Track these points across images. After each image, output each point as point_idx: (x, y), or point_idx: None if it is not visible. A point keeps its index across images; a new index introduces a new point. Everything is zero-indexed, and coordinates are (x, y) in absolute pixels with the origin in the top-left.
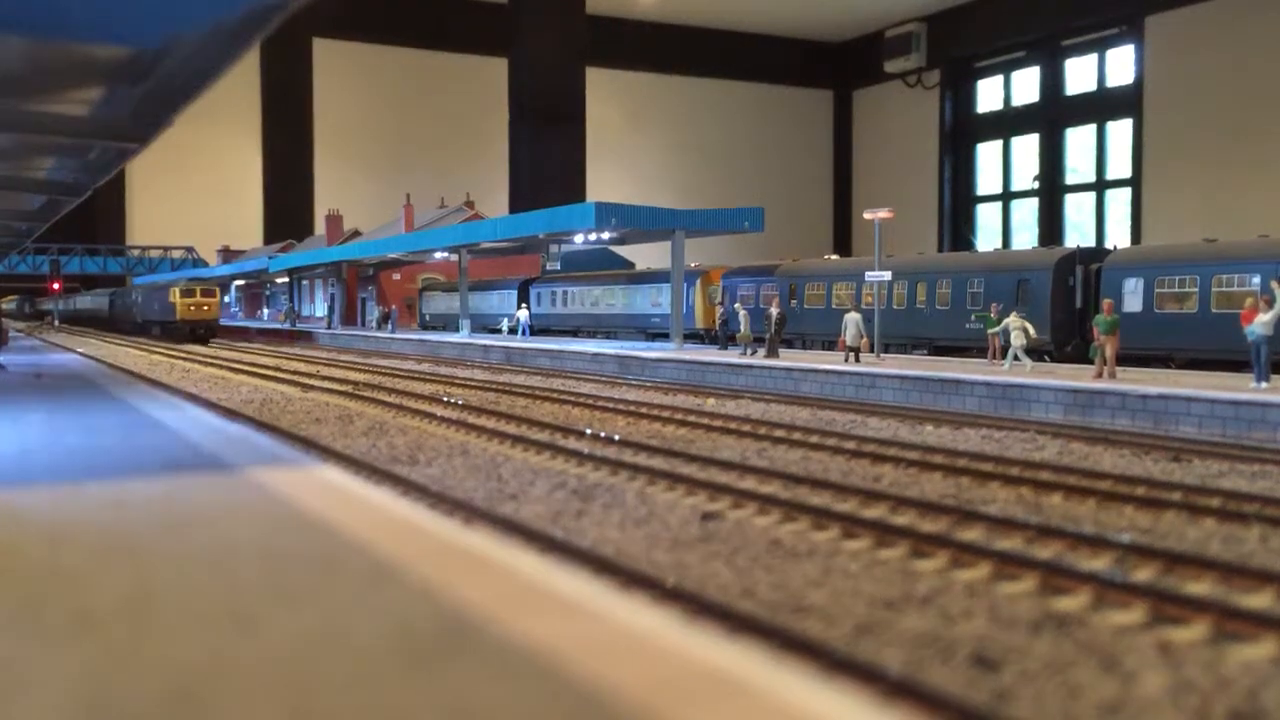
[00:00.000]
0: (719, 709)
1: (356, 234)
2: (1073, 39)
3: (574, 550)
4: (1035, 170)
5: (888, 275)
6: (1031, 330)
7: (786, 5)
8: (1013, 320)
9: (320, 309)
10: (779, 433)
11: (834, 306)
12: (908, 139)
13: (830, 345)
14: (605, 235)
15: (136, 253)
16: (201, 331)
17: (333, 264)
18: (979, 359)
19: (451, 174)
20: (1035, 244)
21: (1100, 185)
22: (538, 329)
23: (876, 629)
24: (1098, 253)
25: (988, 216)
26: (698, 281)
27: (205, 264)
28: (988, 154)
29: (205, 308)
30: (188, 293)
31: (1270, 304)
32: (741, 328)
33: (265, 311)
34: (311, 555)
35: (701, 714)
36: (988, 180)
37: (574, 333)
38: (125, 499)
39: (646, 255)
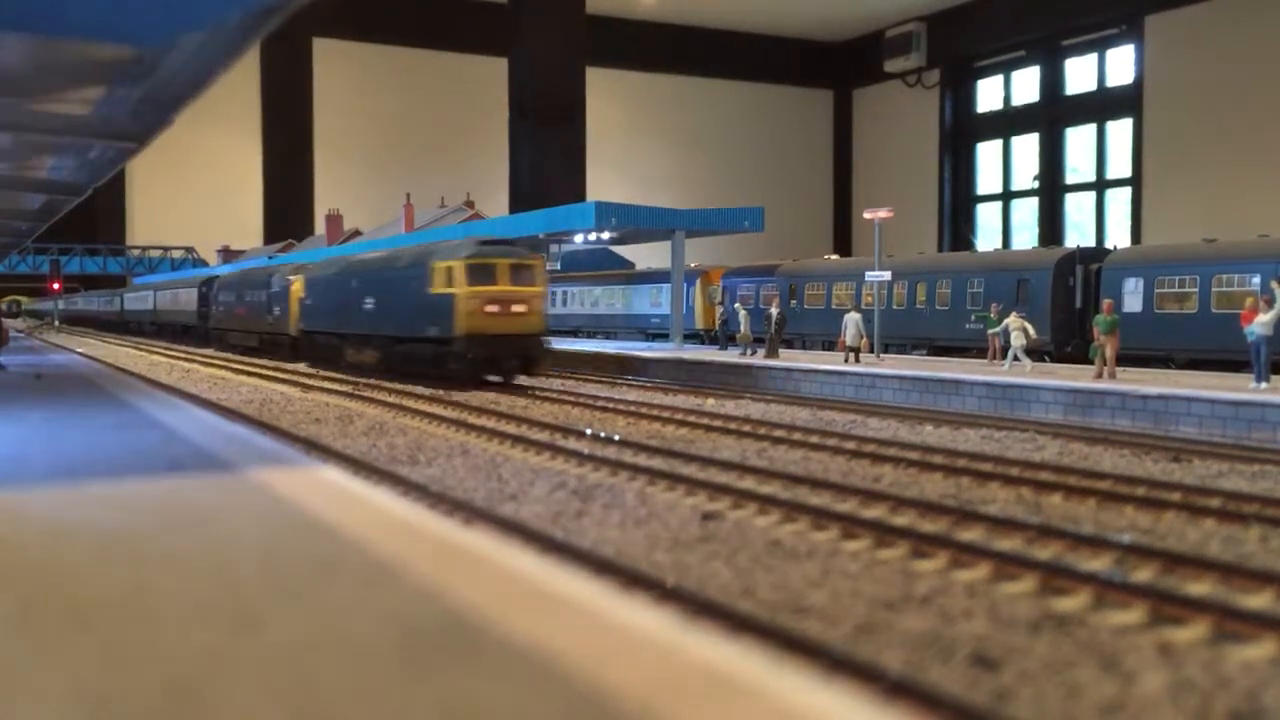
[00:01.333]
0: (719, 709)
1: (356, 234)
2: (1073, 39)
3: (574, 550)
4: (1035, 170)
5: (888, 275)
6: (1031, 330)
7: (786, 5)
8: (1013, 320)
9: None
10: (779, 433)
11: (834, 306)
12: (908, 139)
13: (830, 345)
14: (605, 235)
15: (136, 253)
16: (515, 363)
17: None
18: (979, 359)
19: (451, 174)
20: (1035, 244)
21: (1100, 185)
22: None
23: (876, 629)
24: (1098, 253)
25: (988, 216)
26: (698, 281)
27: (205, 264)
28: (988, 154)
29: (520, 308)
30: (479, 271)
31: (1270, 304)
32: (741, 328)
33: None
34: (312, 555)
35: (701, 714)
36: (988, 180)
37: (574, 333)
38: (125, 499)
39: (646, 255)
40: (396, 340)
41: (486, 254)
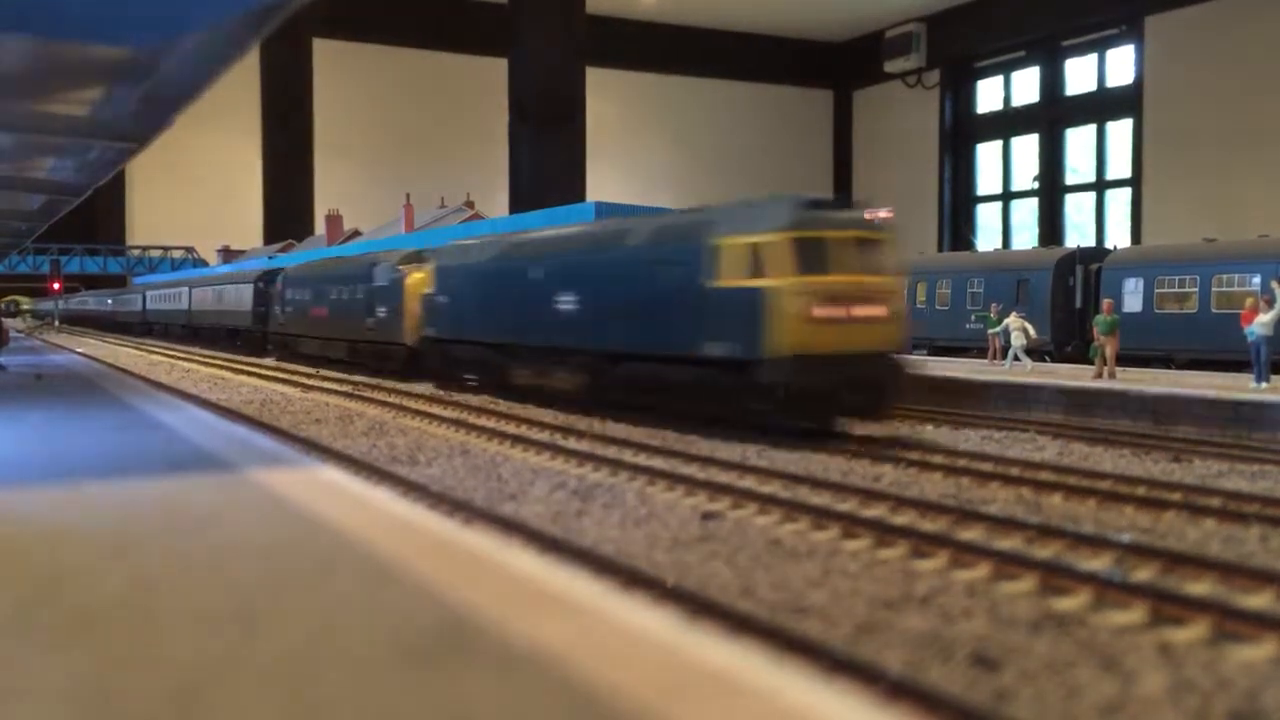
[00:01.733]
0: (719, 709)
1: (356, 234)
2: (1073, 39)
3: (574, 550)
4: (1035, 170)
5: None
6: (1031, 330)
7: (786, 5)
8: (1013, 320)
9: None
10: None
11: None
12: (908, 139)
13: None
14: None
15: (136, 253)
16: (860, 400)
17: None
18: (979, 359)
19: (451, 174)
20: (1035, 244)
21: (1100, 185)
22: None
23: (876, 629)
24: (1098, 253)
25: (988, 216)
26: None
27: (205, 264)
28: (988, 154)
29: (871, 311)
30: (809, 250)
31: (1270, 304)
32: None
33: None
34: (312, 555)
35: (701, 714)
36: (988, 180)
37: None
38: (125, 499)
39: None
40: (621, 358)
41: (819, 222)
